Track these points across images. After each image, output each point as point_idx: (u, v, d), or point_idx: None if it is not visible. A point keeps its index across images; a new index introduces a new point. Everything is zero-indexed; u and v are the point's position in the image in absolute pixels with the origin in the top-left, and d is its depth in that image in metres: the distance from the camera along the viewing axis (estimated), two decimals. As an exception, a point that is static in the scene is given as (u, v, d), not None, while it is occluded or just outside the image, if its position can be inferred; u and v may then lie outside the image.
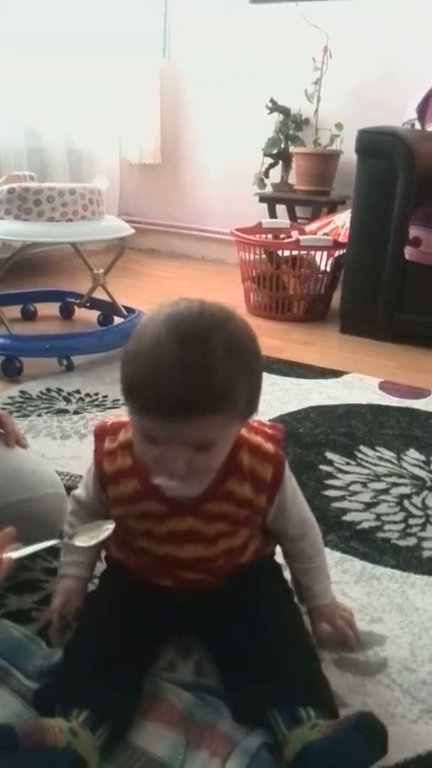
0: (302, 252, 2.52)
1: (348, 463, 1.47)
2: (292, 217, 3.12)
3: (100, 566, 1.04)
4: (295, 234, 2.66)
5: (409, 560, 1.15)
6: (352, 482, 1.39)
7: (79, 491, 0.93)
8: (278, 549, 0.98)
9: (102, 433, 0.87)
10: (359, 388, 1.91)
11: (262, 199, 3.12)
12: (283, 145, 3.10)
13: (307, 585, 0.93)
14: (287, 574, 0.95)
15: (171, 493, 0.79)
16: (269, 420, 1.14)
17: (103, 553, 0.96)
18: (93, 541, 0.80)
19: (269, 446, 0.84)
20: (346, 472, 1.43)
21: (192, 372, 0.68)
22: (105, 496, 0.87)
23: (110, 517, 0.88)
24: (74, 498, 0.94)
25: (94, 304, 2.40)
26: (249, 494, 0.83)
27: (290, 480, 0.87)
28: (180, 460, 0.72)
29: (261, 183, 3.15)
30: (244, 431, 0.83)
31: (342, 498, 1.33)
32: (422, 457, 1.51)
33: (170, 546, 0.84)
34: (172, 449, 0.72)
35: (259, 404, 0.78)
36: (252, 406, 0.76)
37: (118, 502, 0.86)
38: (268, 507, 0.85)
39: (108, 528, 0.81)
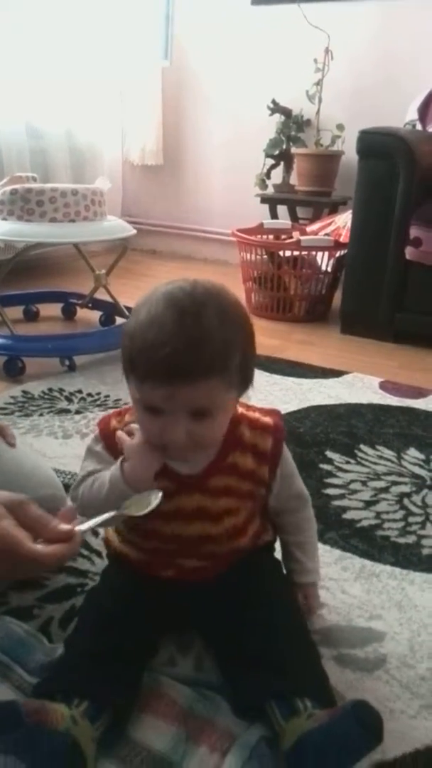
0: (303, 252, 2.52)
1: (348, 462, 1.48)
2: (294, 217, 3.13)
3: (100, 563, 1.05)
4: (296, 234, 2.67)
5: (408, 558, 1.15)
6: (352, 481, 1.40)
7: (90, 465, 0.87)
8: (278, 545, 0.98)
9: (107, 418, 0.89)
10: (360, 387, 1.92)
11: (264, 199, 3.13)
12: (284, 146, 3.11)
13: (302, 560, 0.95)
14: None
15: (176, 456, 0.81)
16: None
17: (104, 552, 0.96)
18: (147, 509, 0.79)
19: (267, 419, 0.88)
20: (346, 471, 1.44)
21: (189, 338, 0.72)
22: None
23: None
24: (87, 472, 0.87)
25: (96, 304, 2.41)
26: (251, 465, 0.86)
27: (289, 455, 0.91)
28: (180, 427, 0.75)
29: (262, 184, 3.16)
30: (242, 409, 0.87)
31: (342, 496, 1.34)
32: (422, 456, 1.52)
33: (177, 524, 0.85)
34: (172, 418, 0.75)
35: (254, 380, 0.81)
36: (246, 378, 0.79)
37: None
38: (271, 480, 0.88)
39: (158, 496, 0.80)
